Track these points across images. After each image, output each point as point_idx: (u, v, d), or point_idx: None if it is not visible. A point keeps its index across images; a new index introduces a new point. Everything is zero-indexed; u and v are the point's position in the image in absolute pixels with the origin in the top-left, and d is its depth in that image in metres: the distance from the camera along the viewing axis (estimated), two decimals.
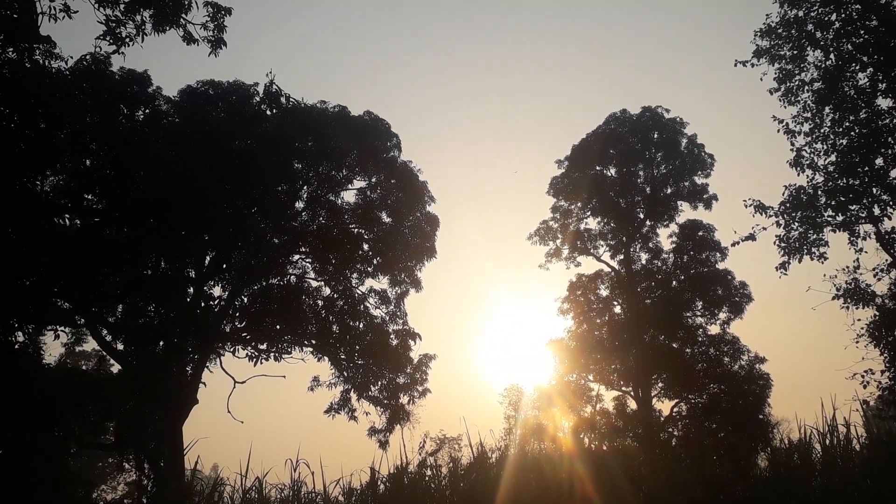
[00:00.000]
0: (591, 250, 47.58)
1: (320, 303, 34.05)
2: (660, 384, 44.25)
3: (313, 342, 33.33)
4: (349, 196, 35.76)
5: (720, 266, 45.11)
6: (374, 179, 35.99)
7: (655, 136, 46.58)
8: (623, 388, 45.06)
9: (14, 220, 18.34)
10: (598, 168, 47.52)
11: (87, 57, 22.15)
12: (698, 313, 44.84)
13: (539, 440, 15.49)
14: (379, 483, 12.67)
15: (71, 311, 24.40)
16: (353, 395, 34.47)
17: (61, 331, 30.40)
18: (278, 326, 32.32)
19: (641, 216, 46.90)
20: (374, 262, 35.37)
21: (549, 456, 13.41)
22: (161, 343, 29.93)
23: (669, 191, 46.71)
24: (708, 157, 46.49)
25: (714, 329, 44.57)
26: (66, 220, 22.45)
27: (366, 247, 35.35)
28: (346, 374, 34.44)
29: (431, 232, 36.50)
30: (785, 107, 26.10)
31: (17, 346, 22.39)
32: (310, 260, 35.37)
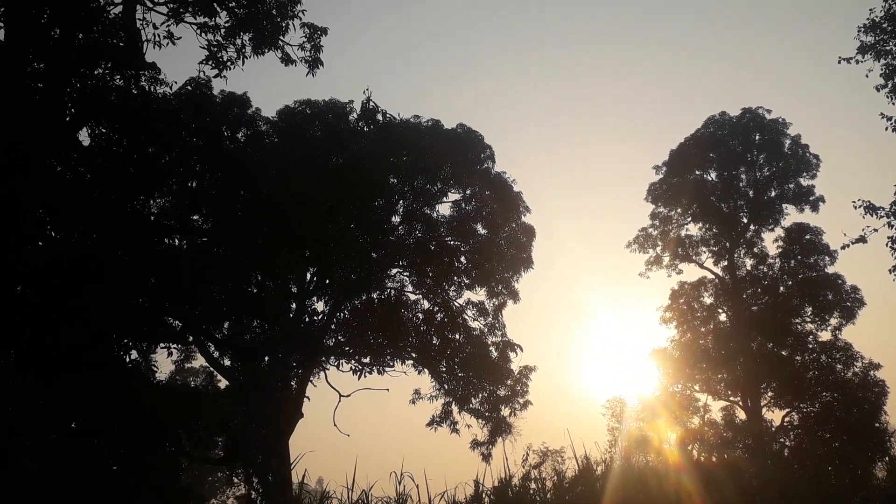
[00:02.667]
0: (693, 257, 46.77)
1: (420, 316, 34.30)
2: (769, 393, 43.24)
3: (414, 355, 33.57)
4: (444, 209, 36.00)
5: (829, 270, 43.99)
6: (468, 191, 36.09)
7: (757, 137, 45.53)
8: (731, 399, 44.16)
9: (125, 242, 19.01)
10: (697, 172, 46.74)
11: (191, 82, 22.86)
12: (808, 319, 43.78)
13: (644, 453, 15.17)
14: (483, 496, 12.57)
15: (182, 330, 25.15)
16: (455, 408, 34.59)
17: (174, 348, 31.46)
18: (380, 340, 32.64)
19: (745, 221, 45.91)
20: (472, 274, 35.46)
21: (655, 469, 13.07)
22: (266, 358, 30.56)
23: (773, 194, 45.61)
24: (813, 158, 45.20)
25: (825, 335, 43.58)
26: (175, 241, 23.17)
27: (462, 259, 35.45)
28: (446, 387, 34.56)
29: (527, 242, 36.38)
30: (893, 103, 25.09)
31: (129, 364, 23.16)
32: (407, 273, 35.68)
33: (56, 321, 18.38)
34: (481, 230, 35.91)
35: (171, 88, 21.64)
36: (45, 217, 19.07)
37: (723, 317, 46.12)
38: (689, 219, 47.04)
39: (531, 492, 12.61)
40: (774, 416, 43.35)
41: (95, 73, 19.80)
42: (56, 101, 18.92)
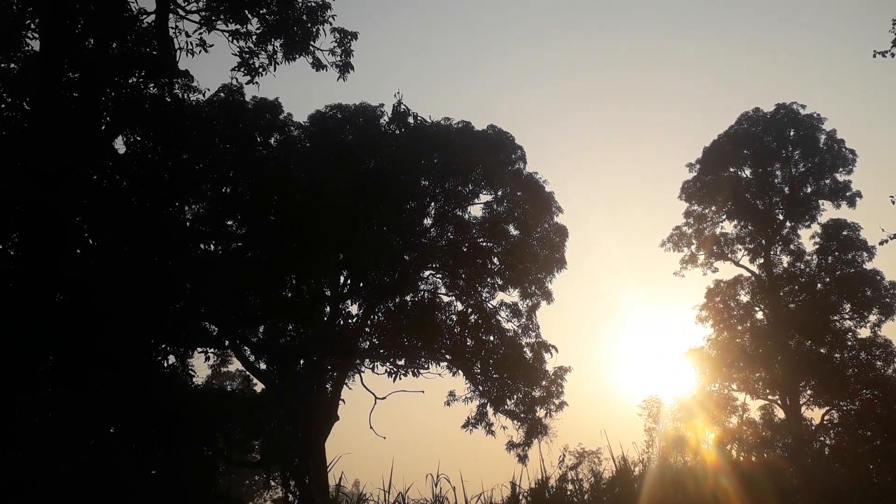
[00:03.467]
0: (729, 255, 46.51)
1: (453, 318, 34.35)
2: (808, 392, 42.92)
3: (448, 357, 33.61)
4: (476, 210, 36.05)
5: (868, 266, 43.66)
6: (500, 193, 36.07)
7: (791, 133, 45.17)
8: (769, 397, 43.90)
9: (162, 248, 19.20)
10: (732, 170, 46.51)
11: (223, 89, 23.03)
12: (846, 316, 43.42)
13: (681, 453, 15.05)
14: (520, 497, 12.53)
15: (218, 334, 25.36)
16: (490, 410, 34.59)
17: (211, 353, 31.72)
18: (414, 342, 32.70)
19: (781, 217, 45.55)
20: (505, 275, 35.44)
21: (693, 469, 12.96)
22: (301, 361, 30.74)
23: (809, 190, 45.29)
24: (849, 153, 44.74)
25: (864, 332, 43.36)
26: (210, 247, 23.36)
27: (495, 260, 35.47)
28: (481, 389, 34.57)
29: (560, 243, 36.29)
30: None
31: (167, 369, 23.39)
32: (440, 275, 35.75)
33: (94, 328, 18.62)
34: (513, 231, 35.88)
35: (203, 95, 21.81)
36: (83, 225, 19.31)
37: (760, 315, 45.86)
38: (724, 216, 46.89)
39: (568, 493, 12.55)
40: (814, 414, 43.19)
41: (129, 81, 19.99)
42: (91, 111, 19.14)
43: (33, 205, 18.33)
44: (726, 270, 47.40)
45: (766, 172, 45.93)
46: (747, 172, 46.51)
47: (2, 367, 16.63)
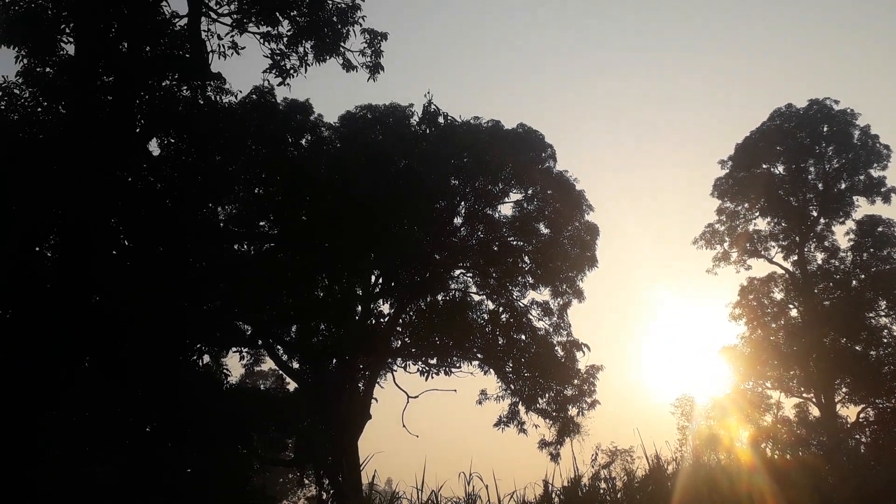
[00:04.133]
0: (762, 252, 46.13)
1: (485, 317, 34.27)
2: (843, 389, 42.46)
3: (479, 356, 33.56)
4: (506, 209, 35.96)
5: None
6: (530, 191, 35.98)
7: (825, 129, 44.69)
8: (804, 395, 43.47)
9: (196, 248, 19.43)
10: (764, 166, 46.11)
11: (255, 90, 23.26)
12: (882, 313, 42.89)
13: (715, 452, 14.96)
14: (553, 496, 12.51)
15: (252, 334, 25.62)
16: (522, 408, 34.52)
17: (246, 352, 32.03)
18: (446, 341, 32.72)
19: (814, 214, 45.11)
20: (535, 274, 35.32)
21: (727, 468, 12.88)
22: (334, 360, 30.90)
23: (843, 186, 44.78)
24: (883, 149, 44.23)
25: None
26: (243, 247, 23.60)
27: (526, 259, 35.35)
28: (512, 387, 34.52)
29: (591, 241, 36.11)
30: None
31: (202, 369, 23.64)
32: (471, 275, 35.74)
33: (130, 328, 18.87)
34: (544, 230, 35.76)
35: (235, 98, 22.04)
36: (118, 227, 19.58)
37: (794, 312, 45.46)
38: (757, 213, 46.51)
39: (601, 491, 12.52)
40: (849, 412, 42.67)
41: (163, 84, 20.24)
42: (126, 113, 19.41)
43: (69, 208, 18.64)
44: (760, 268, 47.11)
45: (799, 169, 45.47)
46: (780, 169, 46.08)
47: (40, 367, 16.89)
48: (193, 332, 20.10)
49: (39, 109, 19.12)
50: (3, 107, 18.80)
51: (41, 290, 18.01)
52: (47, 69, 19.65)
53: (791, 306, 45.52)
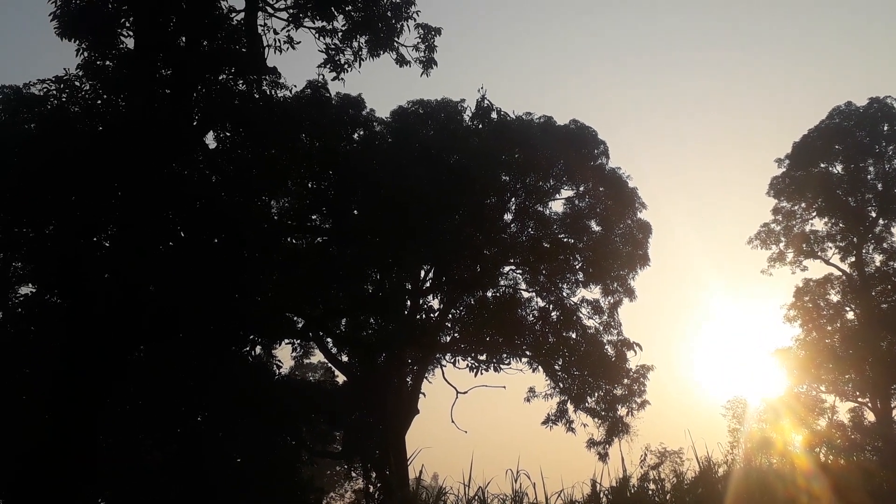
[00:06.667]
0: (819, 253, 45.32)
1: (534, 314, 34.18)
2: None
3: (528, 353, 33.46)
4: (557, 206, 35.83)
5: None
6: (581, 188, 35.78)
7: (885, 128, 43.74)
8: (859, 400, 42.62)
9: (251, 241, 19.62)
10: (822, 165, 45.29)
11: (309, 85, 23.41)
12: None
13: (767, 455, 14.71)
14: (601, 495, 12.41)
15: (304, 326, 25.83)
16: (570, 407, 34.38)
17: (298, 344, 32.35)
18: (495, 337, 32.69)
19: (873, 215, 44.18)
20: (586, 271, 35.12)
21: (780, 472, 12.66)
22: (383, 355, 31.05)
23: None
24: None
25: None
26: (295, 240, 23.78)
27: (577, 256, 35.15)
28: (561, 386, 34.38)
29: (643, 239, 35.80)
30: None
31: (252, 360, 23.93)
32: (521, 271, 35.64)
33: (184, 319, 19.15)
34: (595, 227, 35.54)
35: (290, 92, 22.18)
36: (174, 218, 19.87)
37: (850, 315, 44.63)
38: (814, 213, 45.71)
39: (650, 492, 12.38)
40: None
41: (220, 78, 20.47)
42: (183, 106, 19.68)
43: (127, 199, 18.97)
44: (816, 269, 46.38)
45: (858, 168, 44.57)
46: (838, 168, 45.22)
47: (97, 356, 17.21)
48: (246, 323, 20.32)
49: (99, 102, 19.45)
50: (64, 99, 19.17)
51: (98, 280, 18.34)
52: (107, 62, 19.97)
53: (847, 309, 44.71)
